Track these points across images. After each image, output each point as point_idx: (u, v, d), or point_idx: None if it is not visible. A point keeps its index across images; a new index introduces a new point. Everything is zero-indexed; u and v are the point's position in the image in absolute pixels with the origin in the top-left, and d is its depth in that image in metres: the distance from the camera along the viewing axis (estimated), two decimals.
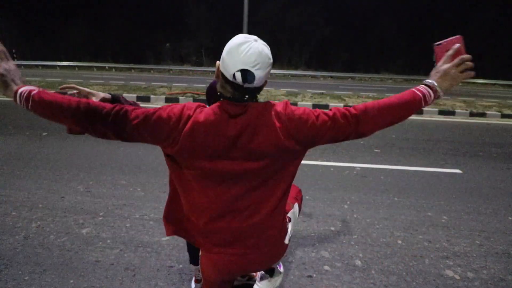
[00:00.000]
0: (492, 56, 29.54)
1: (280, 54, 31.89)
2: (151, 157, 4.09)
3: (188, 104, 0.89)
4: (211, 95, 1.35)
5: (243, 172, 0.88)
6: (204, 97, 8.93)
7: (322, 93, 11.30)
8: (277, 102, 0.93)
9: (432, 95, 0.91)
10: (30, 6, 33.61)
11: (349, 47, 32.53)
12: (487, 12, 30.72)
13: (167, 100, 8.83)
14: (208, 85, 1.38)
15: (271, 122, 0.85)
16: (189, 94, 9.41)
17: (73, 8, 34.66)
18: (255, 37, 0.85)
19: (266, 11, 32.27)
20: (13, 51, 27.47)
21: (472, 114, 8.36)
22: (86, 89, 1.15)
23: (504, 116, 8.38)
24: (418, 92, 0.91)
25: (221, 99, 0.88)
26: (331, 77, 24.43)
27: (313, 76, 24.37)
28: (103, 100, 1.20)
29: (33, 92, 0.82)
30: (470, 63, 0.86)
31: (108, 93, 1.22)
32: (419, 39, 31.93)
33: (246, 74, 0.81)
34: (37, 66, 24.27)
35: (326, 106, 8.59)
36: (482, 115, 8.36)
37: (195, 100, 8.83)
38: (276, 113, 0.87)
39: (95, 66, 24.49)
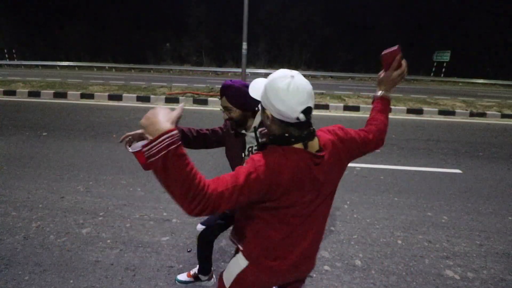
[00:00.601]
0: (492, 56, 29.53)
1: (280, 54, 31.91)
2: None
3: (258, 160, 0.84)
4: (245, 101, 1.35)
5: (321, 204, 1.00)
6: (204, 97, 8.95)
7: (322, 93, 11.29)
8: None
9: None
10: (30, 6, 33.60)
11: (349, 47, 32.53)
12: (487, 12, 30.72)
13: (167, 100, 8.82)
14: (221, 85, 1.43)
15: (336, 152, 0.98)
16: (189, 94, 9.40)
17: (73, 8, 34.64)
18: (289, 72, 0.84)
19: (266, 11, 32.27)
20: (13, 51, 27.53)
21: (472, 114, 8.36)
22: (138, 132, 1.15)
23: (504, 116, 8.38)
24: (388, 102, 1.20)
25: (292, 139, 0.88)
26: (331, 77, 24.42)
27: (313, 76, 24.34)
28: None
29: (176, 145, 0.69)
30: (405, 70, 1.11)
31: None
32: (419, 39, 31.94)
33: (308, 111, 0.84)
34: (37, 66, 24.22)
35: (326, 106, 8.59)
36: (482, 115, 8.36)
37: (195, 100, 8.83)
38: (334, 136, 1.01)
39: (95, 66, 24.44)
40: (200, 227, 1.69)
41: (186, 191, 0.70)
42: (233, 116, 1.37)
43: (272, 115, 0.87)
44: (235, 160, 1.51)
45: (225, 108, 1.37)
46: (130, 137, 1.14)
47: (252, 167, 0.83)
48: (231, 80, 1.37)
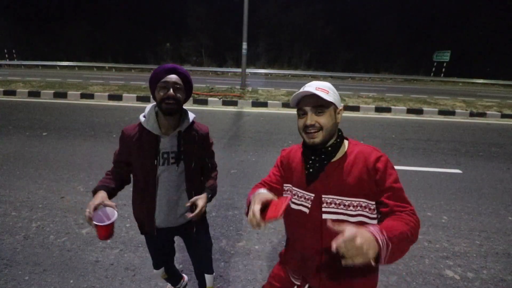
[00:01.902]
0: (492, 56, 29.53)
1: (280, 54, 31.88)
2: None
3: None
4: None
5: None
6: (204, 97, 8.94)
7: None
8: None
9: None
10: (30, 6, 33.60)
11: (349, 47, 32.50)
12: (487, 12, 30.72)
13: None
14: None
15: None
16: None
17: (73, 8, 34.66)
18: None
19: (266, 11, 32.26)
20: (13, 51, 27.51)
21: (472, 114, 8.36)
22: (97, 202, 1.20)
23: (504, 116, 8.38)
24: None
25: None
26: (331, 77, 24.41)
27: (313, 76, 24.34)
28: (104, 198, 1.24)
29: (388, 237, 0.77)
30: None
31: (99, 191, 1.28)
32: (419, 39, 31.93)
33: None
34: (37, 66, 24.21)
35: None
36: (482, 115, 8.36)
37: (195, 100, 8.83)
38: None
39: (95, 66, 24.44)
40: (157, 271, 1.58)
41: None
42: (180, 97, 1.21)
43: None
44: (142, 170, 1.27)
45: (174, 85, 1.19)
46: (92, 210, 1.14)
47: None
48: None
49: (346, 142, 1.07)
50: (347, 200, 0.96)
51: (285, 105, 8.62)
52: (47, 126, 5.51)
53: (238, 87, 11.83)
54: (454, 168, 4.15)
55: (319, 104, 0.97)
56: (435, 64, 26.14)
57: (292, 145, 1.21)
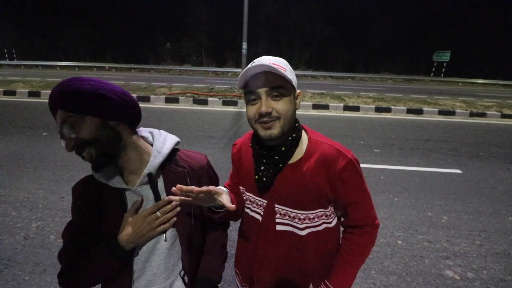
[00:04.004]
0: (492, 56, 29.55)
1: (280, 54, 31.91)
2: None
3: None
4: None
5: None
6: (204, 97, 8.95)
7: (322, 93, 11.29)
8: None
9: None
10: (30, 6, 33.64)
11: (349, 47, 32.54)
12: (486, 12, 30.73)
13: (167, 100, 8.82)
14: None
15: None
16: (189, 94, 9.40)
17: (73, 8, 34.68)
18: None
19: (266, 11, 32.30)
20: (13, 51, 27.53)
21: (472, 114, 8.36)
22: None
23: (504, 116, 8.38)
24: None
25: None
26: (331, 77, 24.43)
27: (313, 76, 24.36)
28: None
29: None
30: None
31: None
32: (419, 39, 31.96)
33: None
34: (37, 66, 24.24)
35: (326, 106, 8.59)
36: (482, 115, 8.36)
37: (195, 100, 8.83)
38: None
39: (95, 66, 24.47)
40: None
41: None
42: (84, 136, 0.70)
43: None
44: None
45: (64, 123, 0.68)
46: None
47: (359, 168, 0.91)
48: (70, 81, 0.69)
49: (304, 136, 0.87)
50: (302, 213, 0.84)
51: None
52: (47, 126, 5.51)
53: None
54: (454, 168, 4.15)
55: (276, 84, 0.74)
56: (435, 64, 26.18)
57: (245, 134, 0.99)
